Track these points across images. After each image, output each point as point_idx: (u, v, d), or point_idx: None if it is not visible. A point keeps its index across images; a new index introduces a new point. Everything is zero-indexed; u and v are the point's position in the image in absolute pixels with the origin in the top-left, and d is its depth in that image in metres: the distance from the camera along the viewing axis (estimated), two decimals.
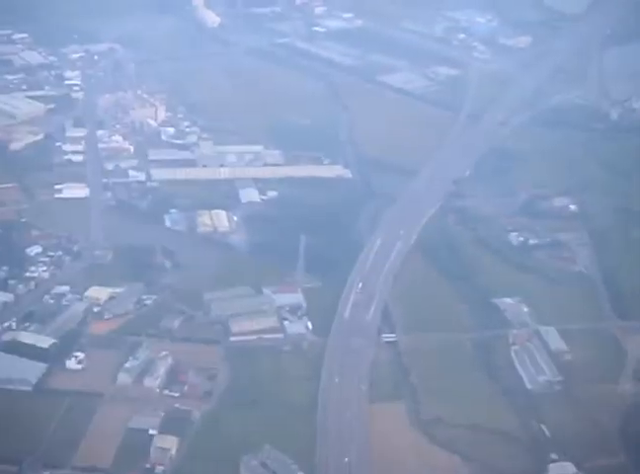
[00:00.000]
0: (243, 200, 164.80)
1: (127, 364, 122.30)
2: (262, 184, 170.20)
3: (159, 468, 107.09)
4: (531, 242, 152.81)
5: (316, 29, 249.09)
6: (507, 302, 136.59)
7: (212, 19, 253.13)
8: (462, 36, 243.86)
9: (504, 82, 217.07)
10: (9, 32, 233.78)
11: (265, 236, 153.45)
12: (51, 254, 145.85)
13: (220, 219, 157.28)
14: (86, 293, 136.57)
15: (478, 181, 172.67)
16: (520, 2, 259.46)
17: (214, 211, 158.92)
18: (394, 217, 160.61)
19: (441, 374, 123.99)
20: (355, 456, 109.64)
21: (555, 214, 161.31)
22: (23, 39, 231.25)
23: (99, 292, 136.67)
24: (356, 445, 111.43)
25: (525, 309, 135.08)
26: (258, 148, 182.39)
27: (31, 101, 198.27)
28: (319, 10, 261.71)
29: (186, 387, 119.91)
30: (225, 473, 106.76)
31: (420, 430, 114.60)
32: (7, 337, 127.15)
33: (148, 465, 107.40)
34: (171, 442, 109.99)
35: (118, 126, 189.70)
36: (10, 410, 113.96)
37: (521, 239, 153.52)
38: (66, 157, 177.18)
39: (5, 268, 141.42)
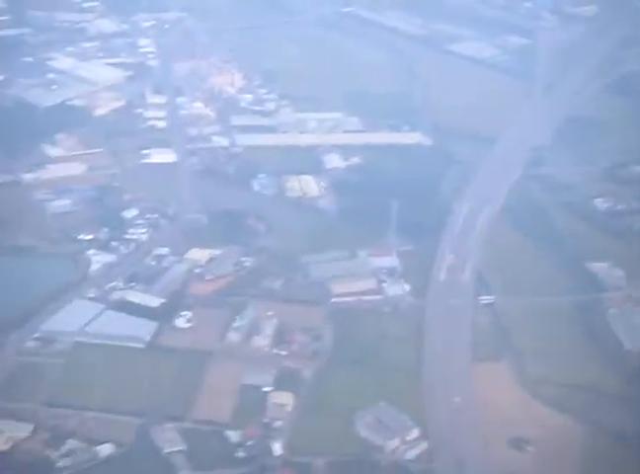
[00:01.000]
0: (327, 166, 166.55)
1: (236, 324, 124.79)
2: (343, 150, 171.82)
3: (277, 423, 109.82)
4: (618, 207, 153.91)
5: None
6: (600, 266, 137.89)
7: None
8: (528, 4, 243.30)
9: (573, 51, 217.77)
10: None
11: (352, 201, 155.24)
12: (148, 217, 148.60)
13: (308, 184, 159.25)
14: (186, 255, 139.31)
15: (558, 148, 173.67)
16: None
17: (302, 176, 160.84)
18: (478, 183, 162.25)
19: (541, 336, 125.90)
20: (464, 411, 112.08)
21: (638, 181, 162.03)
22: (93, 7, 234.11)
23: (199, 254, 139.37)
24: (464, 402, 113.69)
25: (620, 273, 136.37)
26: (337, 115, 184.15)
27: (110, 68, 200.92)
28: None
29: (294, 346, 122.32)
30: (341, 428, 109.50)
31: (526, 389, 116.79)
32: (116, 296, 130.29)
33: (266, 420, 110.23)
34: (287, 398, 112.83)
35: (197, 93, 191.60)
36: (128, 365, 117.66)
37: (608, 205, 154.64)
38: (149, 123, 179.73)
39: (105, 230, 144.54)
